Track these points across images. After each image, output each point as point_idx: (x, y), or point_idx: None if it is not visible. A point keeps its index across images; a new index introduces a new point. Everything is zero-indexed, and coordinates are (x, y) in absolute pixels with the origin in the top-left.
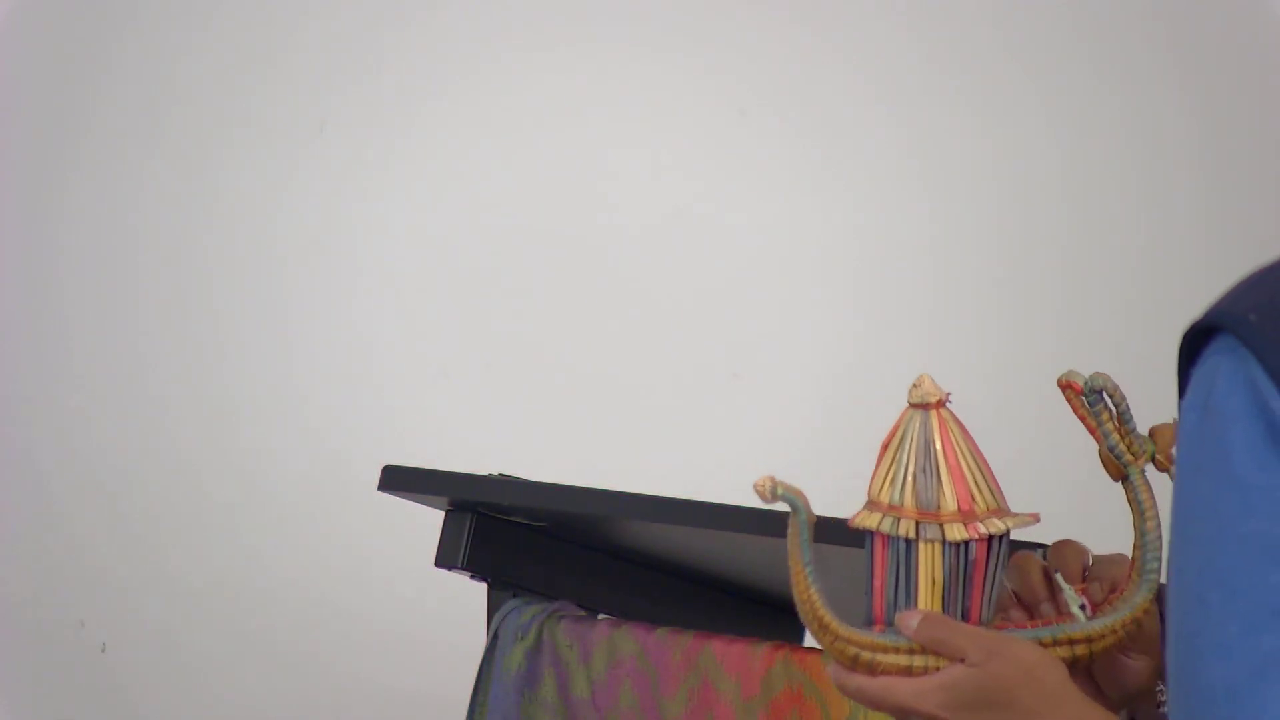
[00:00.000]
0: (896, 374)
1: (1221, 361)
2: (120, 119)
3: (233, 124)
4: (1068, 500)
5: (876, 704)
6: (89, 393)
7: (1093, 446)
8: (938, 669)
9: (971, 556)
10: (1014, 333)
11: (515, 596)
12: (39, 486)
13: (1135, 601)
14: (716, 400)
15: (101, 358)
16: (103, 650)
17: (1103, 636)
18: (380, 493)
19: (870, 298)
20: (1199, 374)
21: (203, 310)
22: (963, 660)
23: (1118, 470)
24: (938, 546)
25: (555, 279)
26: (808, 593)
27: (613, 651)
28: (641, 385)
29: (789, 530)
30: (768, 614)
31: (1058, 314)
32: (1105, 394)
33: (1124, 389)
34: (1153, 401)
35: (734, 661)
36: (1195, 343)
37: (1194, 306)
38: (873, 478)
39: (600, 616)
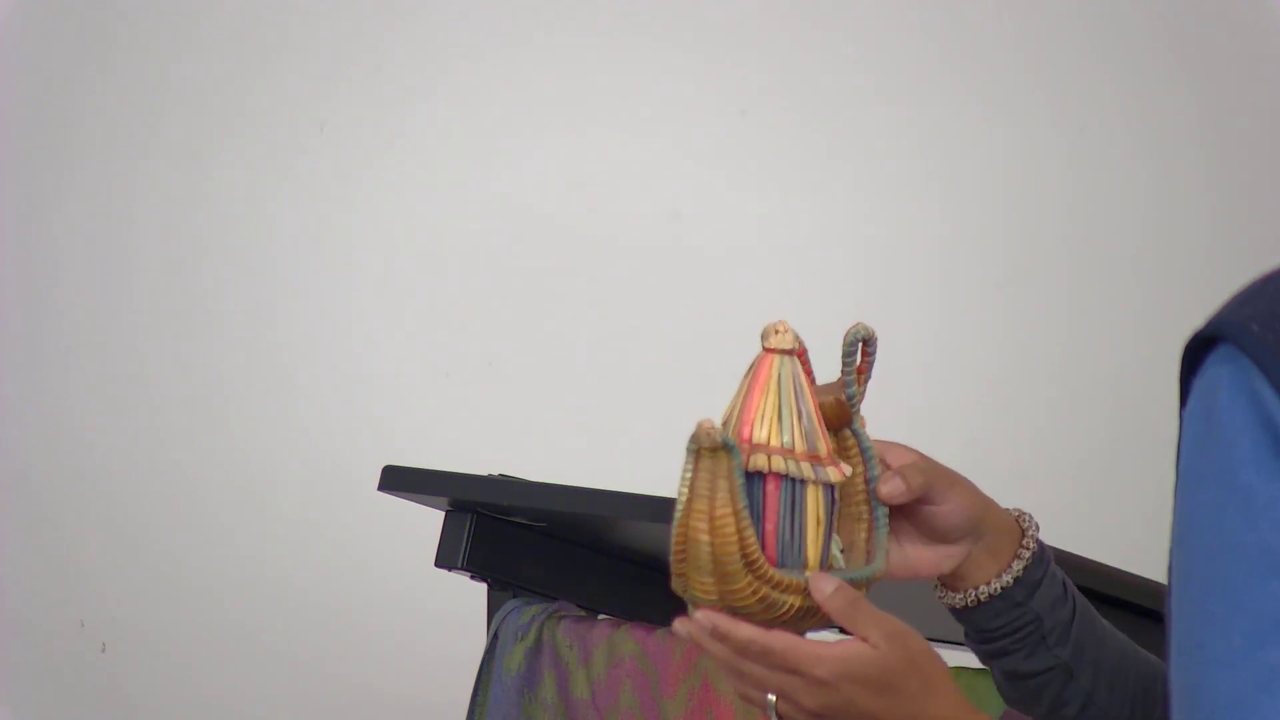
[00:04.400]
0: (900, 374)
1: (1223, 372)
2: (116, 120)
3: (231, 124)
4: (1071, 497)
5: (766, 657)
6: (87, 393)
7: (1099, 446)
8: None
9: (836, 499)
10: (1017, 334)
11: (515, 597)
12: (39, 488)
13: (878, 564)
14: (717, 401)
15: (100, 358)
16: (103, 650)
17: (877, 578)
18: (380, 493)
19: (873, 298)
20: (1201, 384)
21: (201, 310)
22: (865, 640)
23: (844, 418)
24: (821, 489)
25: (555, 279)
26: (745, 529)
27: (612, 652)
28: (642, 385)
29: (720, 470)
30: None
31: (1062, 315)
32: (865, 344)
33: (1129, 390)
34: (1158, 402)
35: None
36: (1197, 352)
37: (1201, 308)
38: (744, 418)
39: (600, 617)
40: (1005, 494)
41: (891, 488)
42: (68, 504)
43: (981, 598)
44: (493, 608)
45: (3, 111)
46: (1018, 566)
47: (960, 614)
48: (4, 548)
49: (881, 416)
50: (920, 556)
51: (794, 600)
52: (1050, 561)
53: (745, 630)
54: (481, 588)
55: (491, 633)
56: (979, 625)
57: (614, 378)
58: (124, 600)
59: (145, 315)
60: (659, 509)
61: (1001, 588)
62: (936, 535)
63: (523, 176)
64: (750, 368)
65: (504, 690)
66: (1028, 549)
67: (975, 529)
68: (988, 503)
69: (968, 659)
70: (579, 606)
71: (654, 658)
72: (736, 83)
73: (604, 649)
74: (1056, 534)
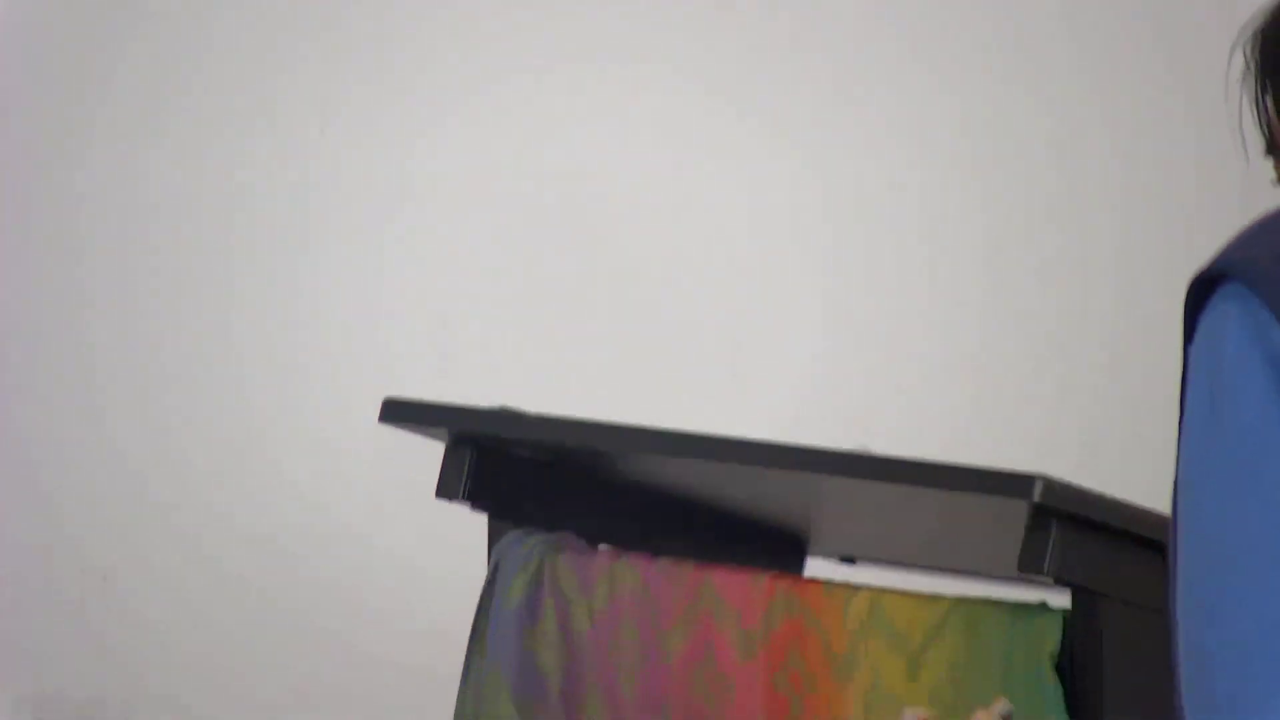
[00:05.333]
0: (894, 359)
1: (1230, 308)
2: (126, 108)
3: (237, 103)
4: (1075, 430)
5: None
6: (91, 320)
7: (1092, 420)
8: None
9: None
10: (1009, 320)
11: (516, 528)
12: (35, 427)
13: None
14: (717, 336)
15: (103, 296)
16: (104, 580)
17: None
18: (382, 425)
19: (867, 277)
20: (1207, 321)
21: (205, 250)
22: None
23: None
24: None
25: (555, 218)
26: None
27: (613, 583)
28: (642, 318)
29: None
30: (769, 546)
31: (1054, 299)
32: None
33: (1126, 348)
34: (1162, 336)
35: (735, 593)
36: (1202, 290)
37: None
38: None
39: (601, 548)
40: (1008, 422)
41: None
42: (70, 438)
43: None
44: (493, 539)
45: (13, 98)
46: None
47: None
48: (2, 478)
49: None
50: None
51: None
52: None
53: None
54: (482, 519)
55: (492, 564)
56: None
57: (615, 312)
58: (125, 538)
59: (152, 249)
60: (658, 442)
61: None
62: None
63: (519, 122)
64: None
65: (504, 621)
66: None
67: None
68: None
69: (964, 588)
70: (580, 538)
71: (654, 590)
72: (734, 62)
73: (605, 581)
74: (1058, 464)
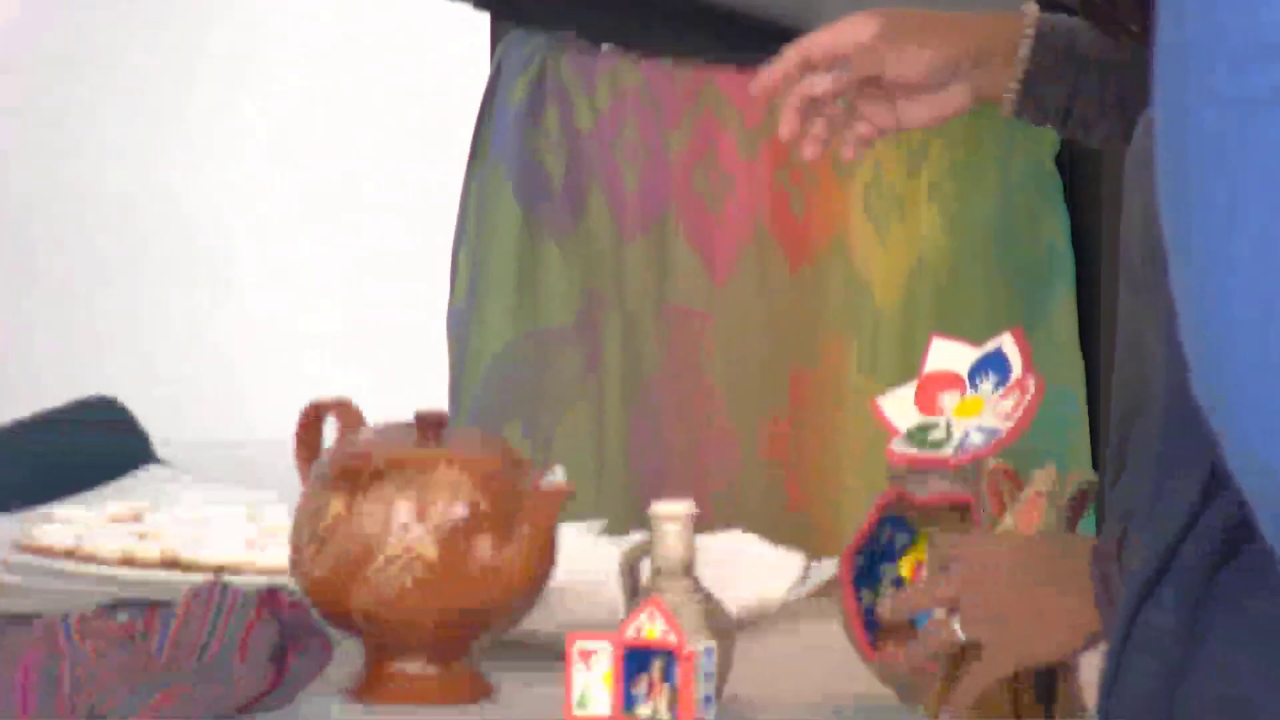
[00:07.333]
0: None
1: None
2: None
3: None
4: None
5: None
6: None
7: None
8: None
9: None
10: None
11: (519, 27)
12: None
13: None
14: None
15: None
16: None
17: None
18: None
19: None
20: None
21: None
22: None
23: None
24: None
25: None
26: None
27: (615, 83)
28: None
29: None
30: (773, 49)
31: None
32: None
33: None
34: None
35: (737, 93)
36: None
37: None
38: None
39: (603, 48)
40: None
41: None
42: None
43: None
44: (495, 41)
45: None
46: (1024, 49)
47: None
48: None
49: None
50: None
51: None
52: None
53: None
54: (485, 19)
55: (494, 65)
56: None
57: None
58: None
59: None
60: None
61: (1024, 71)
62: (901, 75)
63: None
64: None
65: (506, 123)
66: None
67: (957, 69)
68: (961, 41)
69: None
70: (583, 38)
71: (657, 89)
72: None
73: (607, 81)
74: None
